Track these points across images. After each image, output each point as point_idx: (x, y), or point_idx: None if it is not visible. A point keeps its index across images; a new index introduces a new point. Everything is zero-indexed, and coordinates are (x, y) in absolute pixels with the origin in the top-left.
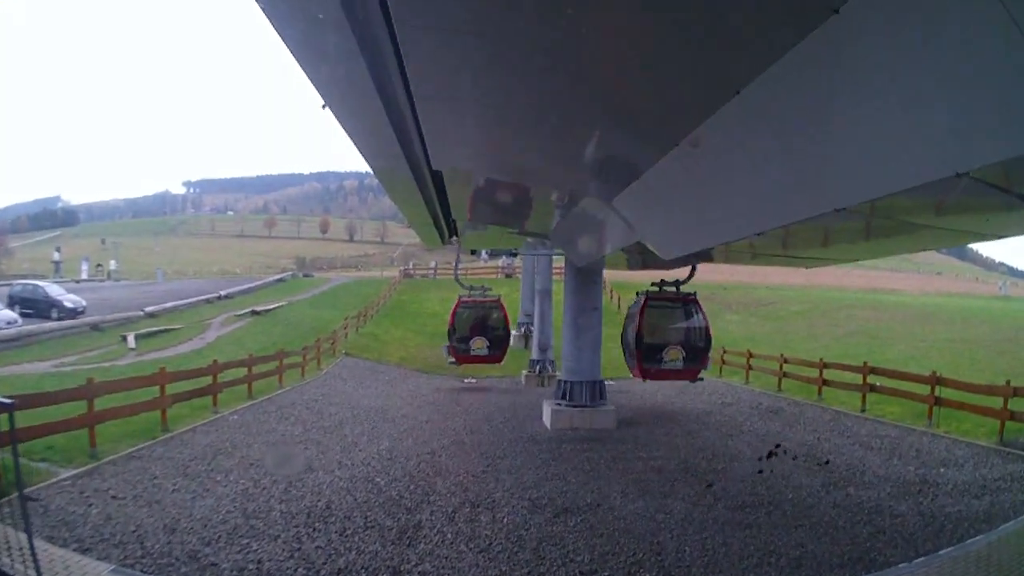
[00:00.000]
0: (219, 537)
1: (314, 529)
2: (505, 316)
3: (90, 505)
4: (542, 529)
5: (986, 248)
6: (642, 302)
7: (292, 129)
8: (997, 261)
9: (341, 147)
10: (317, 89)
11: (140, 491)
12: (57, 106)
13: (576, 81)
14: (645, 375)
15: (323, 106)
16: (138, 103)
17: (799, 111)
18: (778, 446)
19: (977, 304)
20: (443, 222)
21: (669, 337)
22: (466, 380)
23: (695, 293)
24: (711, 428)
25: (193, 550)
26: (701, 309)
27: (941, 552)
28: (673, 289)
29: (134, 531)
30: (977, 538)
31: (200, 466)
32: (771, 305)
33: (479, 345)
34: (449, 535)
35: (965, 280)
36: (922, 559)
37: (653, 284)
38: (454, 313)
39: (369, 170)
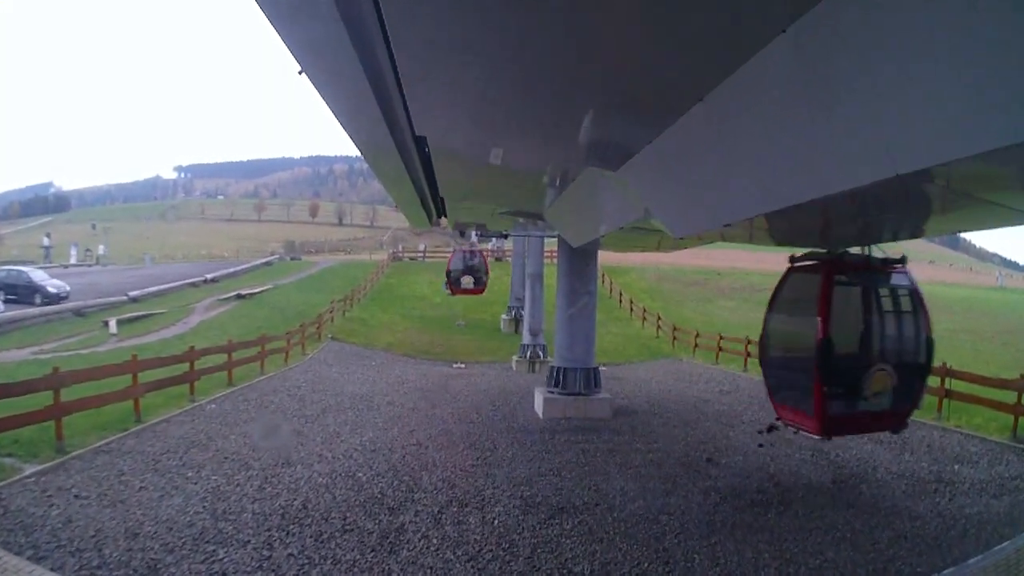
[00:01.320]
0: (183, 543)
1: (287, 533)
2: (485, 261)
3: (51, 506)
4: (536, 532)
5: (979, 238)
6: (822, 280)
7: (283, 114)
8: (991, 251)
9: (331, 132)
10: (292, 52)
11: (105, 489)
12: (49, 93)
13: (578, 26)
14: (831, 427)
15: (299, 72)
16: (130, 89)
17: (855, 54)
18: (779, 418)
19: (975, 294)
20: (430, 201)
21: (873, 346)
22: (455, 365)
23: (904, 259)
24: (710, 418)
25: (153, 559)
26: (918, 289)
27: (970, 561)
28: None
29: (93, 536)
30: (1003, 544)
31: (171, 460)
32: (765, 291)
33: (467, 281)
34: (435, 540)
35: (959, 270)
36: (951, 570)
37: (813, 251)
38: (450, 260)
39: (359, 154)
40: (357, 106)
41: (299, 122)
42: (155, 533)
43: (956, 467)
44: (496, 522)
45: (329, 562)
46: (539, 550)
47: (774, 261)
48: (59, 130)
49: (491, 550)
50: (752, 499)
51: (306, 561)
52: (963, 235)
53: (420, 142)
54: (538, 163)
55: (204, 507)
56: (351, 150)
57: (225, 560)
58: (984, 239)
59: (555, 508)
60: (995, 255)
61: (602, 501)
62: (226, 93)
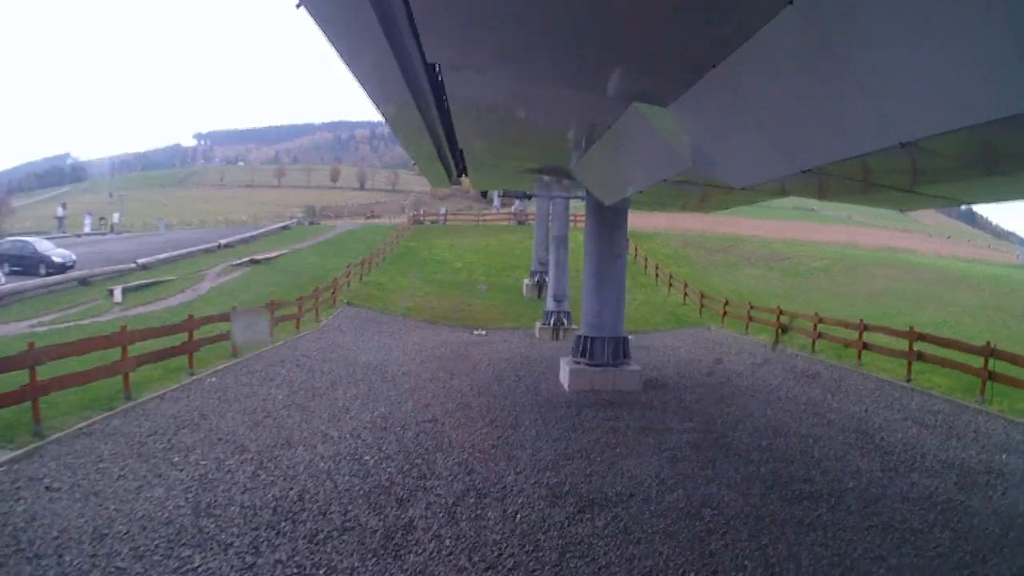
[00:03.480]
0: (156, 546)
1: (278, 532)
2: None
3: (18, 500)
4: (564, 531)
5: (996, 216)
6: None
7: (304, 80)
8: (1007, 229)
9: (353, 97)
10: None
11: (80, 478)
12: (67, 64)
13: None
14: None
15: (298, 5)
16: (149, 56)
17: None
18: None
19: (999, 271)
20: (448, 155)
21: None
22: (476, 332)
23: None
24: (745, 393)
25: (117, 568)
26: None
27: None
28: None
29: (56, 538)
30: None
31: (158, 443)
32: (789, 260)
33: None
34: (448, 541)
35: (978, 246)
36: None
37: None
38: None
39: (381, 119)
40: (359, 29)
41: (321, 88)
42: (126, 533)
43: (1003, 456)
44: (519, 517)
45: (323, 570)
46: (568, 554)
47: (792, 230)
48: (76, 101)
49: (513, 554)
50: (800, 490)
51: (295, 570)
52: (980, 212)
53: (435, 84)
54: (568, 103)
55: (187, 500)
56: (373, 115)
57: (201, 569)
58: (1000, 217)
59: (585, 499)
60: (1012, 233)
61: (637, 491)
62: (247, 59)
